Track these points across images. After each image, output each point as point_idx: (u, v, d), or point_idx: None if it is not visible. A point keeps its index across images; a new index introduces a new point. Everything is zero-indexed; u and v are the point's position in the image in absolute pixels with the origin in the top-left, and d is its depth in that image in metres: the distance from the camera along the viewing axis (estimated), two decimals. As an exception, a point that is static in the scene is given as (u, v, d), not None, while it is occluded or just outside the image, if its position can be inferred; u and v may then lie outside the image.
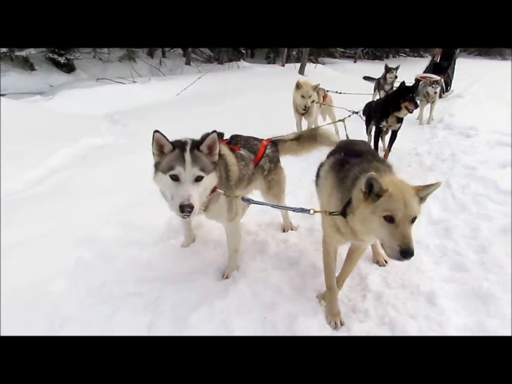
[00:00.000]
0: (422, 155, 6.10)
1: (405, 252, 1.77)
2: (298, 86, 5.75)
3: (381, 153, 5.82)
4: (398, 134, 5.82)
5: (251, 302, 2.55)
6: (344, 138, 6.44)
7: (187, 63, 13.73)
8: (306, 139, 3.29)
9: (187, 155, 2.10)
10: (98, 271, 2.67)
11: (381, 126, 5.57)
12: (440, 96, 11.96)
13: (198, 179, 2.12)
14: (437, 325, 2.39)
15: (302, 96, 5.69)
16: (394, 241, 1.80)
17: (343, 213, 2.09)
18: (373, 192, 1.87)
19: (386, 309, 2.54)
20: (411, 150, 6.43)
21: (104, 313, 2.28)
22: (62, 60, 11.06)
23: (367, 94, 8.48)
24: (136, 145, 5.55)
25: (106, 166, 4.51)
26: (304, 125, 6.39)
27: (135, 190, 3.95)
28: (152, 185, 3.91)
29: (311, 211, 2.30)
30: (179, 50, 15.04)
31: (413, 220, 1.85)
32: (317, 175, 2.61)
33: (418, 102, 8.21)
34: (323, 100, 6.59)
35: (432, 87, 8.40)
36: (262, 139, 3.10)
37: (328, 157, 2.77)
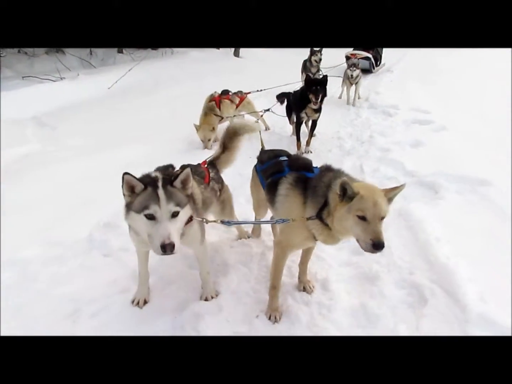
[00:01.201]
0: (343, 139, 6.50)
1: (377, 245, 2.08)
2: (197, 129, 6.14)
3: (304, 139, 6.18)
4: (326, 116, 6.13)
5: (164, 303, 2.81)
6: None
7: (120, 51, 13.35)
8: (230, 140, 3.41)
9: (161, 192, 2.08)
10: (17, 292, 2.80)
11: (301, 117, 5.89)
12: (371, 71, 12.53)
13: (175, 214, 2.10)
14: (326, 310, 2.75)
15: (202, 140, 6.15)
16: (367, 236, 2.10)
17: (319, 217, 2.36)
18: (346, 195, 2.16)
19: (286, 298, 2.89)
20: (334, 134, 6.82)
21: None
22: (-17, 58, 10.50)
23: (290, 84, 8.67)
24: (63, 152, 5.59)
25: (30, 179, 4.54)
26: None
27: (60, 203, 4.06)
28: (75, 198, 4.11)
29: (290, 220, 2.50)
30: (111, 38, 14.45)
31: (382, 218, 2.15)
32: (272, 193, 2.75)
33: (342, 83, 8.68)
34: (240, 102, 6.74)
35: (350, 69, 8.79)
36: (200, 164, 3.22)
37: (260, 169, 3.11)
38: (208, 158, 3.41)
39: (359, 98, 9.23)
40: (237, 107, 6.74)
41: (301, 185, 2.56)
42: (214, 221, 2.76)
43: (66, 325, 2.55)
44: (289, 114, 6.40)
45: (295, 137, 6.22)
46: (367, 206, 2.11)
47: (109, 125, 6.94)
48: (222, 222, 2.76)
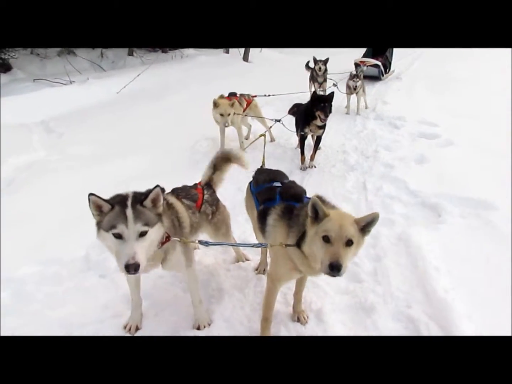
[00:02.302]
0: (348, 153, 6.43)
1: (332, 266, 2.01)
2: (215, 104, 5.91)
3: (308, 153, 6.13)
4: (333, 127, 6.06)
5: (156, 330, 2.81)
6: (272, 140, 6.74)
7: (130, 53, 13.44)
8: (222, 163, 3.39)
9: (129, 212, 2.06)
10: (12, 314, 2.82)
11: (305, 132, 5.85)
12: (380, 78, 12.42)
13: (143, 234, 2.09)
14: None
15: (221, 115, 5.85)
16: (327, 257, 2.06)
17: (298, 245, 2.35)
18: (318, 217, 2.16)
19: (279, 328, 2.86)
20: (339, 147, 6.75)
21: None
22: (-4, 59, 10.65)
23: (299, 93, 8.64)
24: (67, 162, 5.61)
25: (31, 191, 4.57)
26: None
27: (59, 217, 4.08)
28: (75, 211, 4.11)
29: (268, 245, 2.52)
30: (122, 39, 14.52)
31: (348, 243, 2.10)
32: (262, 223, 2.74)
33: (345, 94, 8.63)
34: (247, 105, 6.65)
35: (353, 80, 8.73)
36: (197, 184, 3.22)
37: (255, 191, 3.07)
38: (204, 178, 3.39)
39: (366, 107, 9.16)
40: (244, 110, 6.64)
41: (287, 215, 2.56)
42: (192, 241, 2.71)
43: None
44: (297, 126, 6.36)
45: (299, 150, 6.18)
46: (333, 227, 2.10)
47: (115, 133, 6.97)
48: (200, 242, 2.70)
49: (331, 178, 5.59)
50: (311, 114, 5.62)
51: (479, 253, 3.52)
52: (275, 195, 2.75)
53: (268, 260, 3.53)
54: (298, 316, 2.94)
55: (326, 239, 2.11)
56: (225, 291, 3.20)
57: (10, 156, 5.47)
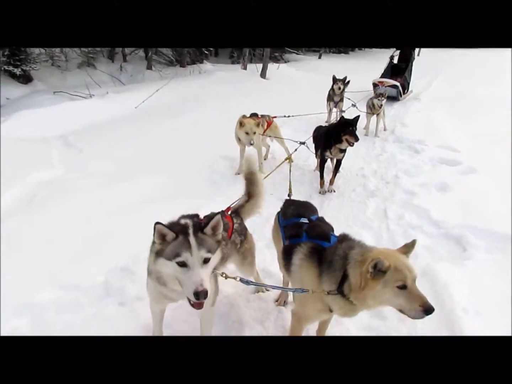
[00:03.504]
0: (367, 177, 6.35)
1: (428, 310, 2.04)
2: (241, 124, 5.86)
3: (328, 176, 6.07)
4: (351, 149, 5.98)
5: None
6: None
7: (149, 67, 13.60)
8: (253, 185, 3.34)
9: (192, 240, 2.10)
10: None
11: (325, 155, 5.80)
12: (398, 99, 12.36)
13: (206, 261, 2.13)
14: None
15: (246, 133, 5.81)
16: (413, 304, 2.06)
17: (341, 292, 2.28)
18: (376, 270, 2.10)
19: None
20: (358, 170, 6.68)
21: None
22: (18, 71, 10.84)
23: (318, 113, 8.60)
24: (86, 180, 5.62)
25: (51, 210, 4.56)
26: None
27: (78, 239, 4.05)
28: (94, 234, 4.10)
29: (310, 291, 2.41)
30: (141, 53, 14.87)
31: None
32: (287, 260, 2.70)
33: (365, 114, 8.53)
34: (267, 126, 6.61)
35: (378, 99, 8.58)
36: (224, 212, 3.13)
37: (283, 224, 3.02)
38: (233, 204, 3.34)
39: (385, 130, 9.08)
40: (264, 132, 6.59)
41: (315, 256, 2.49)
42: (234, 278, 2.65)
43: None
44: (316, 149, 6.31)
45: (318, 172, 6.13)
46: (405, 274, 2.07)
47: (134, 150, 6.98)
48: (241, 280, 2.65)
49: (350, 203, 5.51)
50: (335, 137, 5.55)
51: (508, 293, 3.39)
52: (301, 232, 2.70)
53: (289, 292, 3.47)
54: None
55: (402, 286, 2.07)
56: (245, 323, 3.13)
57: (30, 172, 5.50)
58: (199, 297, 2.01)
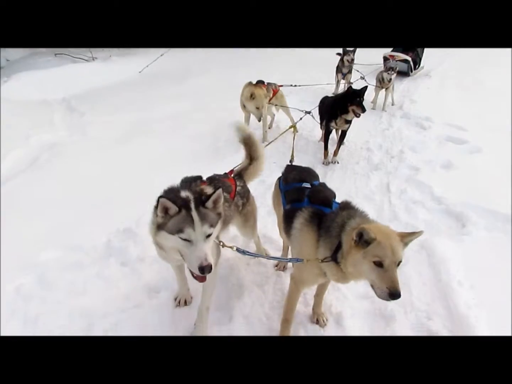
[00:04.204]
0: (372, 151, 6.31)
1: (393, 294, 2.03)
2: (251, 95, 5.79)
3: (332, 147, 6.04)
4: (357, 122, 5.94)
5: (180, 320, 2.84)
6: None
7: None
8: (253, 149, 3.33)
9: (195, 215, 2.10)
10: (35, 301, 2.86)
11: (330, 126, 5.75)
12: (409, 75, 12.10)
13: (208, 235, 2.15)
14: (337, 348, 2.70)
15: (257, 108, 5.77)
16: (383, 284, 2.04)
17: (335, 259, 2.31)
18: (362, 240, 2.10)
19: (298, 329, 2.85)
20: (363, 144, 6.63)
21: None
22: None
23: (325, 84, 8.47)
24: (89, 142, 5.63)
25: (54, 172, 4.60)
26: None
27: (82, 201, 4.10)
28: (97, 196, 4.14)
29: (305, 261, 2.45)
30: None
31: (398, 263, 2.09)
32: (288, 224, 2.72)
33: (373, 87, 8.37)
34: (273, 95, 6.53)
35: (388, 73, 8.37)
36: (227, 175, 3.18)
37: (284, 189, 3.03)
38: (236, 167, 3.35)
39: (393, 104, 8.94)
40: (270, 100, 6.51)
41: (316, 221, 2.50)
42: (230, 247, 2.69)
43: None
44: (321, 119, 6.24)
45: (322, 143, 6.10)
46: (385, 252, 2.05)
47: (137, 115, 6.95)
48: (238, 250, 2.69)
49: (354, 176, 5.50)
50: (342, 107, 5.49)
51: (504, 270, 3.43)
52: (303, 197, 2.70)
53: (289, 256, 3.52)
54: (317, 318, 2.93)
55: (378, 263, 2.06)
56: (245, 287, 3.20)
57: (33, 134, 5.50)
58: (204, 272, 2.05)
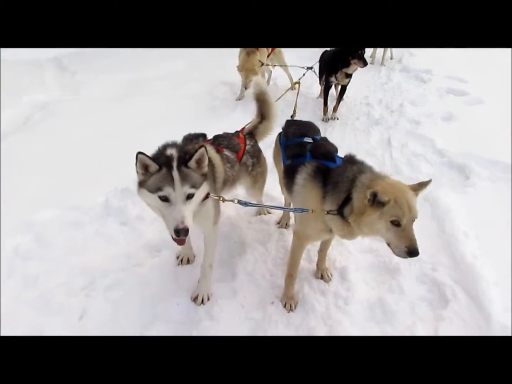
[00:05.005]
0: (372, 106, 6.19)
1: (412, 252, 2.00)
2: (239, 69, 5.90)
3: (332, 103, 5.89)
4: (356, 77, 5.80)
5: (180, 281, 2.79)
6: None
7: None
8: (264, 108, 3.20)
9: (175, 174, 1.99)
10: (34, 260, 2.81)
11: (330, 81, 5.57)
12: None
13: (190, 196, 2.03)
14: (342, 301, 2.68)
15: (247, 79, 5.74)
16: (401, 243, 2.02)
17: (340, 213, 2.23)
18: (377, 200, 2.03)
19: (303, 285, 2.82)
20: (362, 99, 6.50)
21: (38, 307, 2.47)
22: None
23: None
24: (83, 102, 5.46)
25: (48, 132, 4.46)
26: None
27: (78, 161, 4.00)
28: (94, 155, 4.03)
29: (310, 211, 2.36)
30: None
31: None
32: (289, 179, 2.62)
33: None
34: (271, 51, 6.41)
35: None
36: (238, 133, 3.05)
37: (284, 144, 2.93)
38: (247, 125, 3.22)
39: (391, 58, 8.73)
40: (268, 56, 6.46)
41: (320, 176, 2.40)
42: (231, 201, 2.59)
43: (80, 299, 2.55)
44: (321, 74, 6.05)
45: (321, 100, 5.94)
46: (402, 212, 1.99)
47: (130, 75, 6.74)
48: (239, 202, 2.57)
49: (354, 131, 5.40)
50: (342, 61, 5.31)
51: (508, 219, 3.39)
52: (305, 152, 2.61)
53: (291, 214, 3.46)
54: (321, 274, 2.91)
55: (396, 223, 2.00)
56: (247, 244, 3.15)
57: (24, 94, 5.31)
58: (179, 234, 1.95)
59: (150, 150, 2.18)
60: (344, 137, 5.22)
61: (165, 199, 2.00)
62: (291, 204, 3.31)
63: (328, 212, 2.29)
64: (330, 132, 5.33)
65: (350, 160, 2.45)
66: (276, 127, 3.28)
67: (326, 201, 2.34)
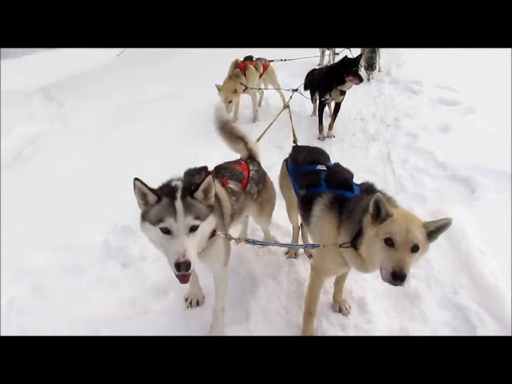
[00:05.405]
0: (366, 120, 6.14)
1: (395, 274, 1.78)
2: (219, 89, 5.72)
3: (326, 121, 5.81)
4: (347, 92, 5.72)
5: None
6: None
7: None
8: (231, 135, 2.99)
9: (178, 204, 1.87)
10: (31, 313, 2.61)
11: (324, 99, 5.50)
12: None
13: (193, 228, 1.89)
14: (364, 333, 2.55)
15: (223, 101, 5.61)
16: (389, 263, 1.82)
17: (354, 245, 2.11)
18: (380, 216, 1.91)
19: (321, 320, 2.67)
20: (356, 114, 6.45)
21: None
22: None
23: (312, 57, 8.23)
24: (73, 135, 5.33)
25: (39, 167, 4.31)
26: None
27: (71, 198, 3.83)
28: (88, 192, 3.86)
29: (321, 246, 2.27)
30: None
31: (414, 248, 1.85)
32: (306, 210, 2.51)
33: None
34: (263, 70, 6.32)
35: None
36: (240, 161, 2.90)
37: (293, 171, 2.83)
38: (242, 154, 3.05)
39: (379, 71, 8.71)
40: (260, 76, 6.35)
41: (337, 207, 2.29)
42: (238, 239, 2.47)
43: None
44: (312, 93, 5.99)
45: (315, 118, 5.88)
46: (398, 230, 1.85)
47: (119, 101, 6.60)
48: (247, 240, 2.48)
49: (352, 148, 5.32)
50: (337, 78, 5.24)
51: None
52: (320, 180, 2.49)
53: (300, 242, 3.33)
54: (339, 307, 2.77)
55: (390, 242, 1.86)
56: (257, 279, 3.00)
57: (15, 126, 5.15)
58: (180, 269, 1.80)
59: (148, 180, 2.02)
60: (343, 154, 5.13)
61: (166, 231, 1.86)
62: (300, 234, 3.19)
63: (341, 246, 2.18)
64: (328, 151, 5.10)
65: (369, 189, 2.34)
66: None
67: (341, 233, 2.23)
